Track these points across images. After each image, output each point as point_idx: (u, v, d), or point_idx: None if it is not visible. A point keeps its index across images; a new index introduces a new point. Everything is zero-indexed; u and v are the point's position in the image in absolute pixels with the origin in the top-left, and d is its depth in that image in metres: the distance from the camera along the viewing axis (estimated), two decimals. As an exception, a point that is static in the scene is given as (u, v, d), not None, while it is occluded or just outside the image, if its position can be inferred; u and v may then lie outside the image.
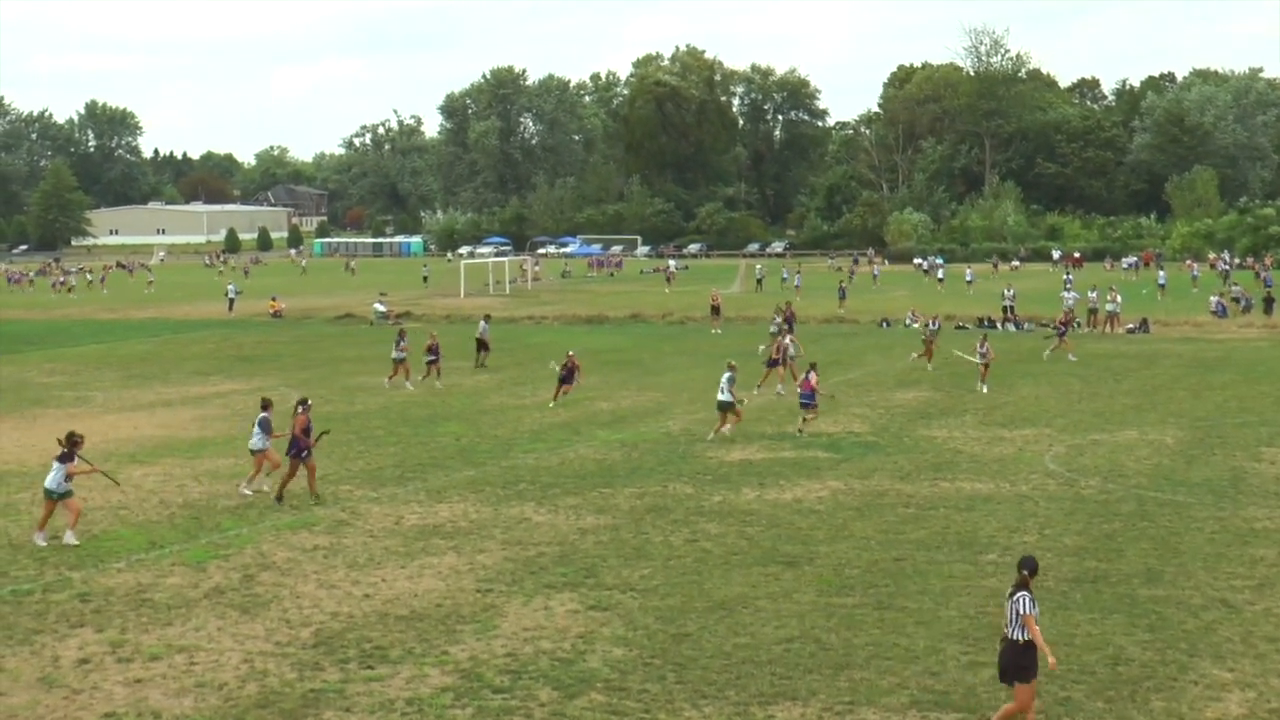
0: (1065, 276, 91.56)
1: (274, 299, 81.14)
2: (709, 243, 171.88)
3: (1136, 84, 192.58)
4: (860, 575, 20.73)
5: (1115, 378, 45.72)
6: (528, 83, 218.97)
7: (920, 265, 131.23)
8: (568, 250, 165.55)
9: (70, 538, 23.27)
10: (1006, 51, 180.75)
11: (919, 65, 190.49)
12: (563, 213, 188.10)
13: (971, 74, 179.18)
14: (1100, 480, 28.13)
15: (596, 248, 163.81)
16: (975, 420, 36.53)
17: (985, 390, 41.40)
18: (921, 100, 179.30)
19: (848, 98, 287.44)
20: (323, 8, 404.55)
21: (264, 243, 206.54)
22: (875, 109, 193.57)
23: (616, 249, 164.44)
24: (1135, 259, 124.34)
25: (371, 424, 37.07)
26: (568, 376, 40.37)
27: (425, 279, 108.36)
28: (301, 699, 15.75)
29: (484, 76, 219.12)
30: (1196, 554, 21.79)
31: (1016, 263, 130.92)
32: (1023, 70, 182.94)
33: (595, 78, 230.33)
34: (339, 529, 24.26)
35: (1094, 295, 68.79)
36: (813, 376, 35.48)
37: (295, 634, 18.16)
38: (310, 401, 27.89)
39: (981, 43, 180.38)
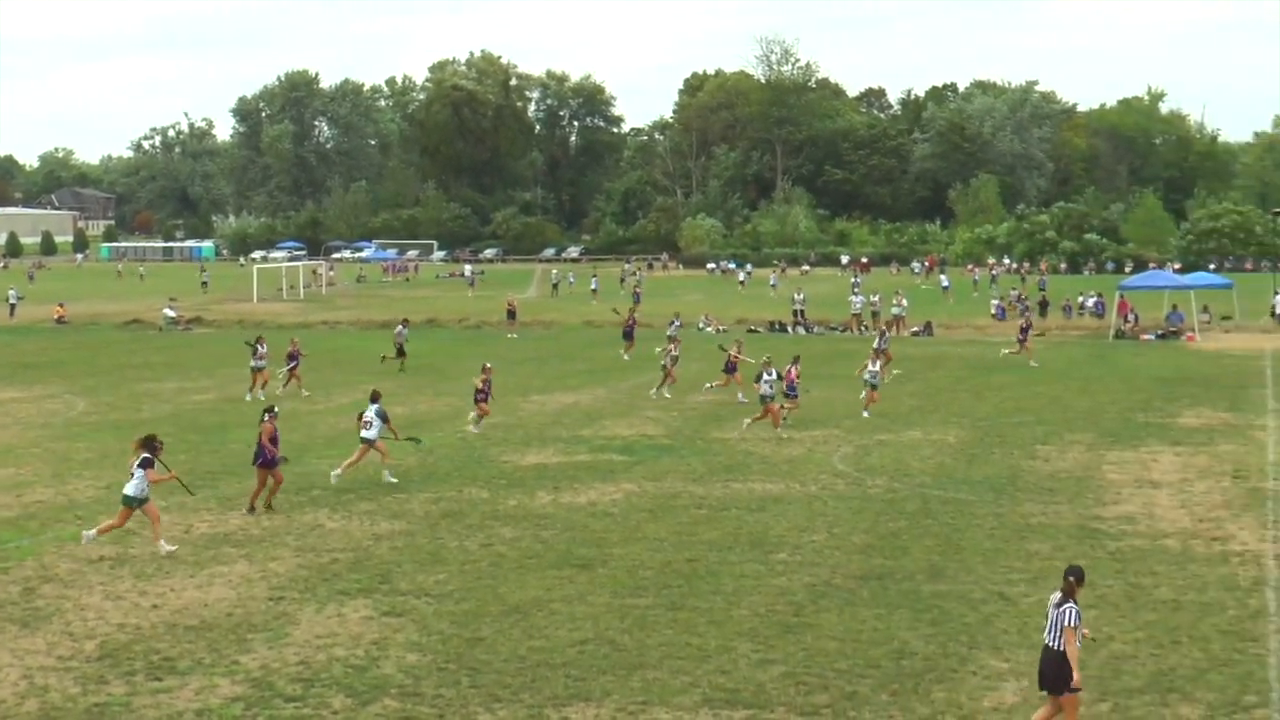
0: (854, 280, 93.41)
1: (60, 305, 78.74)
2: (505, 247, 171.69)
3: (921, 94, 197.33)
4: (653, 576, 20.85)
5: (900, 379, 46.70)
6: (322, 86, 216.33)
7: (713, 269, 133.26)
8: (363, 255, 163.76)
9: (165, 546, 22.53)
10: (796, 61, 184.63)
11: (712, 73, 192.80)
12: (358, 217, 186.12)
13: (763, 82, 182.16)
14: (886, 479, 28.71)
15: (392, 252, 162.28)
16: (766, 422, 36.96)
17: (866, 415, 37.70)
18: (714, 107, 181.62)
19: (642, 104, 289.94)
20: (109, 6, 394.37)
21: (48, 247, 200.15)
22: (669, 116, 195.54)
23: (412, 254, 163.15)
24: (921, 264, 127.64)
25: (160, 431, 36.00)
26: (484, 395, 36.07)
27: (204, 284, 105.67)
28: (85, 714, 15.30)
29: (278, 80, 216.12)
30: (976, 549, 22.36)
31: (806, 267, 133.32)
32: (812, 79, 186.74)
33: (391, 82, 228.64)
34: (126, 539, 23.60)
35: (877, 299, 70.38)
36: (794, 370, 36.56)
37: (79, 647, 17.63)
38: (276, 409, 27.30)
39: (772, 52, 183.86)
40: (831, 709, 15.20)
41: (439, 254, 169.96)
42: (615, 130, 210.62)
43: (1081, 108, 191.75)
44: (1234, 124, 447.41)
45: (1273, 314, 67.58)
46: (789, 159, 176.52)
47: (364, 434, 28.39)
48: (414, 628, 18.33)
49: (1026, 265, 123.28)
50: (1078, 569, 14.28)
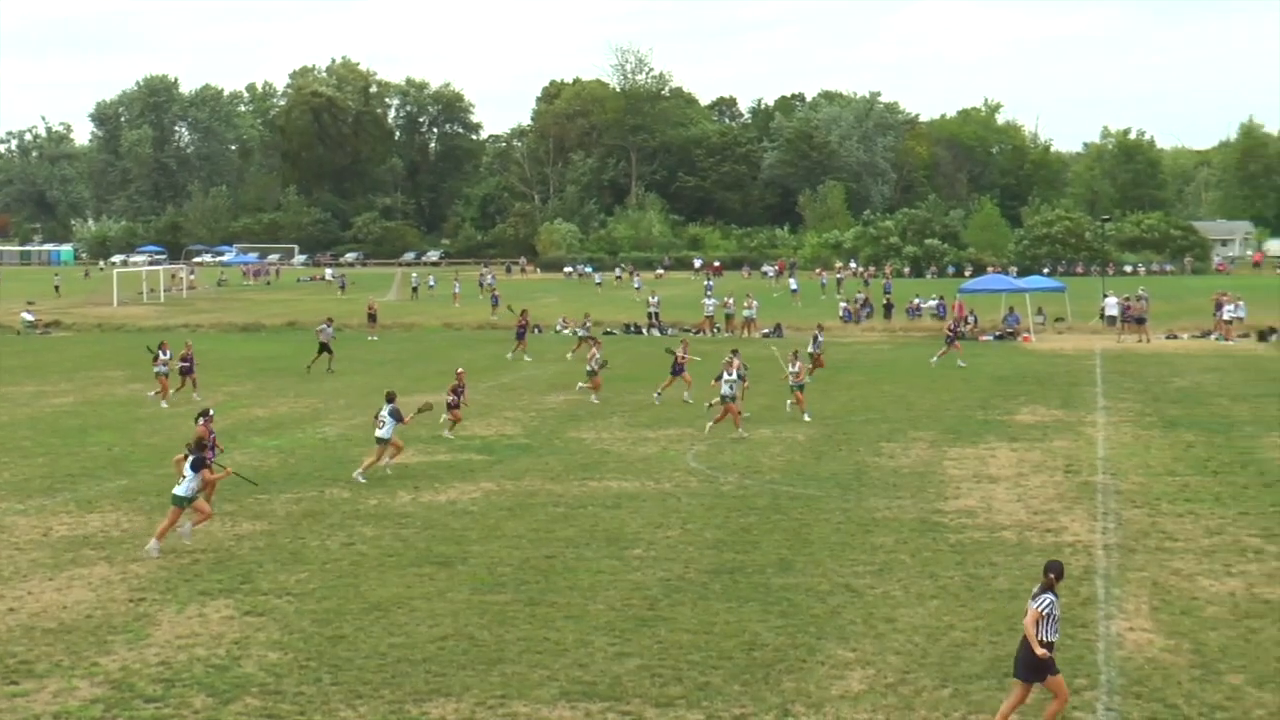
0: (706, 283, 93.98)
1: (-86, 308, 76.56)
2: (366, 252, 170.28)
3: (770, 103, 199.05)
4: (512, 573, 20.81)
5: (752, 379, 46.96)
6: (182, 91, 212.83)
7: (570, 273, 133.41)
8: (224, 259, 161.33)
9: (154, 546, 22.28)
10: (651, 70, 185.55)
11: (569, 81, 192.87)
12: (219, 221, 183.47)
13: (618, 91, 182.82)
14: (738, 476, 28.91)
15: (253, 256, 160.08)
16: (622, 422, 37.10)
17: (808, 419, 37.05)
18: (571, 115, 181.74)
19: (500, 112, 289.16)
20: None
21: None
22: (527, 123, 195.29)
23: (273, 258, 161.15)
24: (772, 267, 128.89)
25: (18, 435, 35.36)
26: (455, 401, 34.65)
27: (57, 289, 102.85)
28: (-58, 718, 14.91)
29: (136, 84, 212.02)
30: (824, 543, 22.61)
31: (661, 271, 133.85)
32: (666, 88, 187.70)
33: (251, 88, 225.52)
34: (-17, 543, 23.04)
35: (729, 301, 70.89)
36: (736, 361, 35.83)
37: (-64, 651, 17.16)
38: (212, 412, 27.19)
39: (627, 61, 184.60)
40: (685, 700, 15.29)
41: (300, 258, 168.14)
42: (474, 137, 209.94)
43: (923, 118, 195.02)
44: (1065, 135, 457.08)
45: (1102, 315, 69.13)
46: (643, 165, 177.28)
47: (378, 433, 28.74)
48: (275, 627, 18.10)
49: (872, 269, 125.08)
50: (1058, 564, 14.33)
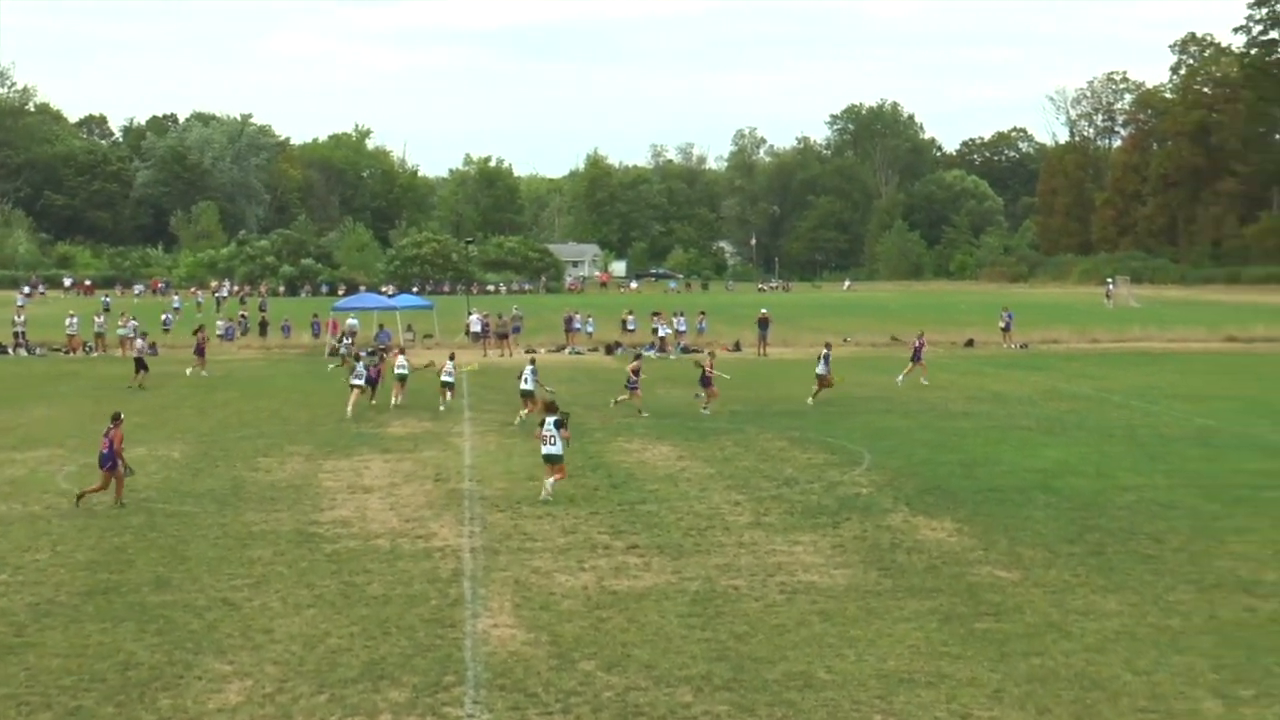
0: (104, 299, 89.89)
1: None
2: None
3: (143, 122, 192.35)
4: None
5: (126, 397, 45.15)
6: None
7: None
8: None
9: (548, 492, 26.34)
10: (14, 84, 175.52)
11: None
12: None
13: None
14: (111, 496, 27.58)
15: None
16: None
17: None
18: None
19: None
20: None
21: None
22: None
23: None
24: (144, 286, 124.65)
25: None
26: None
27: None
28: None
29: None
30: (202, 559, 21.94)
31: (28, 289, 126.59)
32: (30, 103, 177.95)
33: None
34: None
35: (100, 320, 68.07)
36: (638, 364, 42.47)
37: None
38: (123, 415, 27.08)
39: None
40: (59, 726, 14.42)
41: None
42: None
43: (295, 141, 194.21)
44: (432, 161, 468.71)
45: (467, 332, 71.13)
46: (7, 182, 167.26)
47: (523, 387, 36.77)
48: None
49: (248, 288, 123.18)
50: None
